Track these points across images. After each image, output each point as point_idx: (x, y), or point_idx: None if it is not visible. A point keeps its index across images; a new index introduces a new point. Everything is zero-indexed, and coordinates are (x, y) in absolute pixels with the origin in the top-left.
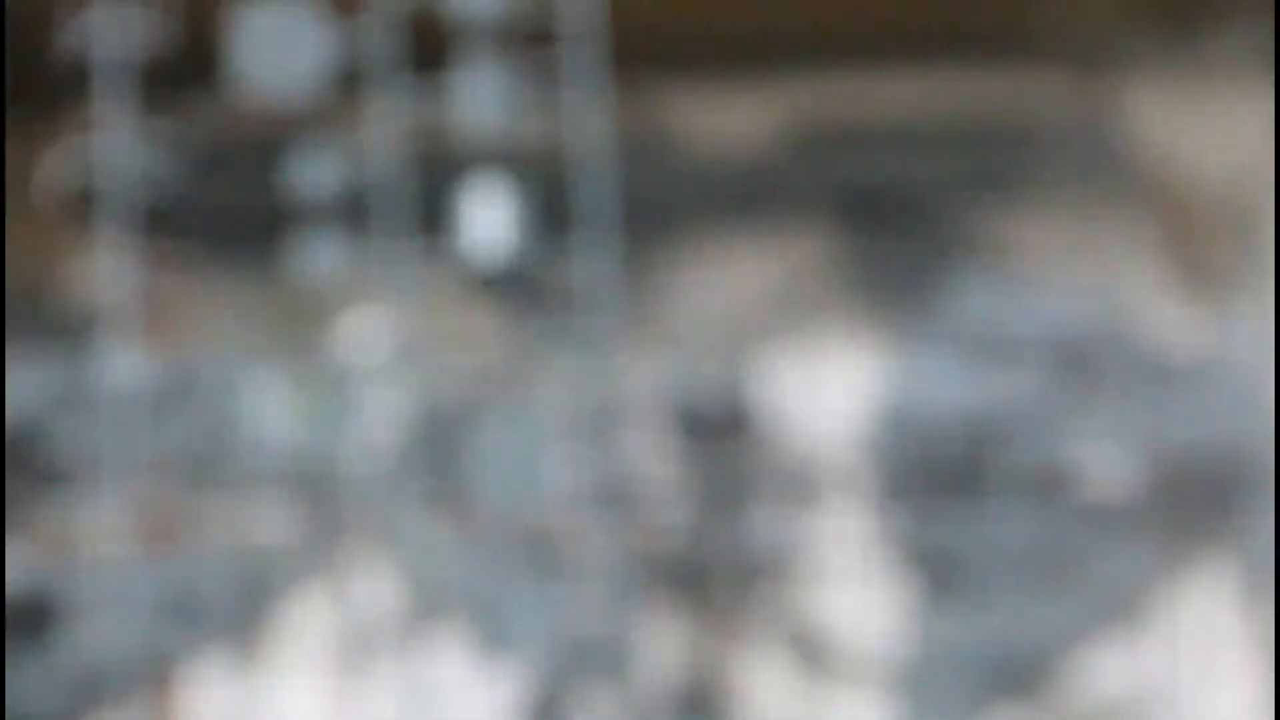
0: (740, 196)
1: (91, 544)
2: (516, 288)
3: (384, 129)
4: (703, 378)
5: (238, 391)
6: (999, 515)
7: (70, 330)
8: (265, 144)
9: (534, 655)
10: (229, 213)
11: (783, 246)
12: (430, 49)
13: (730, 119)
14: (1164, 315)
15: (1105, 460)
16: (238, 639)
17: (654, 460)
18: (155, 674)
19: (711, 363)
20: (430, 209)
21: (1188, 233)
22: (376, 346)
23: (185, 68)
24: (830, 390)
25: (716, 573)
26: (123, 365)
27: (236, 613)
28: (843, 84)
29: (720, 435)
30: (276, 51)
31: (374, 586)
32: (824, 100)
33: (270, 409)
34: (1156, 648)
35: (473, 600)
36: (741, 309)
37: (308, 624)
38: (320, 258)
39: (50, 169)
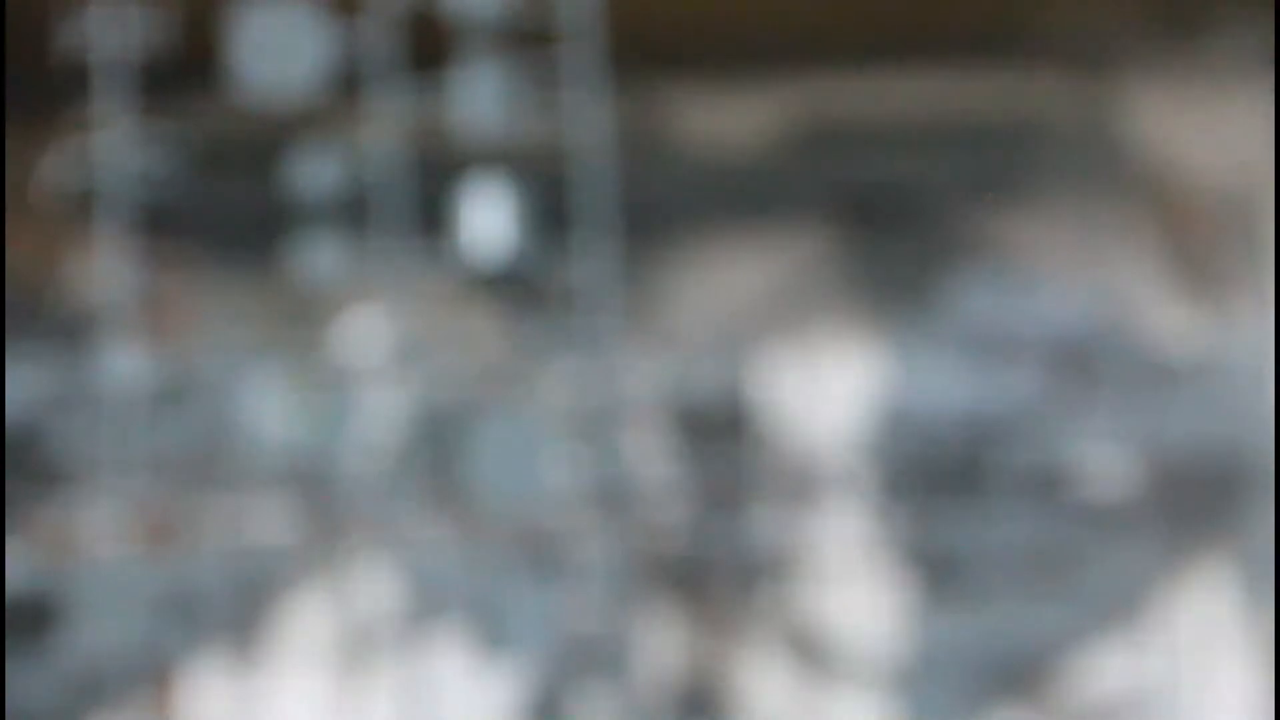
0: (740, 196)
1: (91, 544)
2: (516, 288)
3: (384, 129)
4: (703, 378)
5: (238, 391)
6: (999, 515)
7: (70, 330)
8: (265, 144)
9: (534, 655)
10: (229, 213)
11: (783, 246)
12: (430, 49)
13: (730, 119)
14: (1164, 315)
15: (1105, 460)
16: (237, 639)
17: (654, 460)
18: (155, 674)
19: (711, 363)
20: (430, 209)
21: (1188, 233)
22: (376, 346)
23: (185, 68)
24: (830, 390)
25: (716, 573)
26: (123, 365)
27: (236, 613)
28: (843, 84)
29: (720, 435)
30: (276, 51)
31: (374, 586)
32: (824, 100)
33: (270, 409)
34: (1156, 648)
35: (473, 600)
36: (741, 309)
37: (307, 623)
38: (320, 258)
39: (50, 169)
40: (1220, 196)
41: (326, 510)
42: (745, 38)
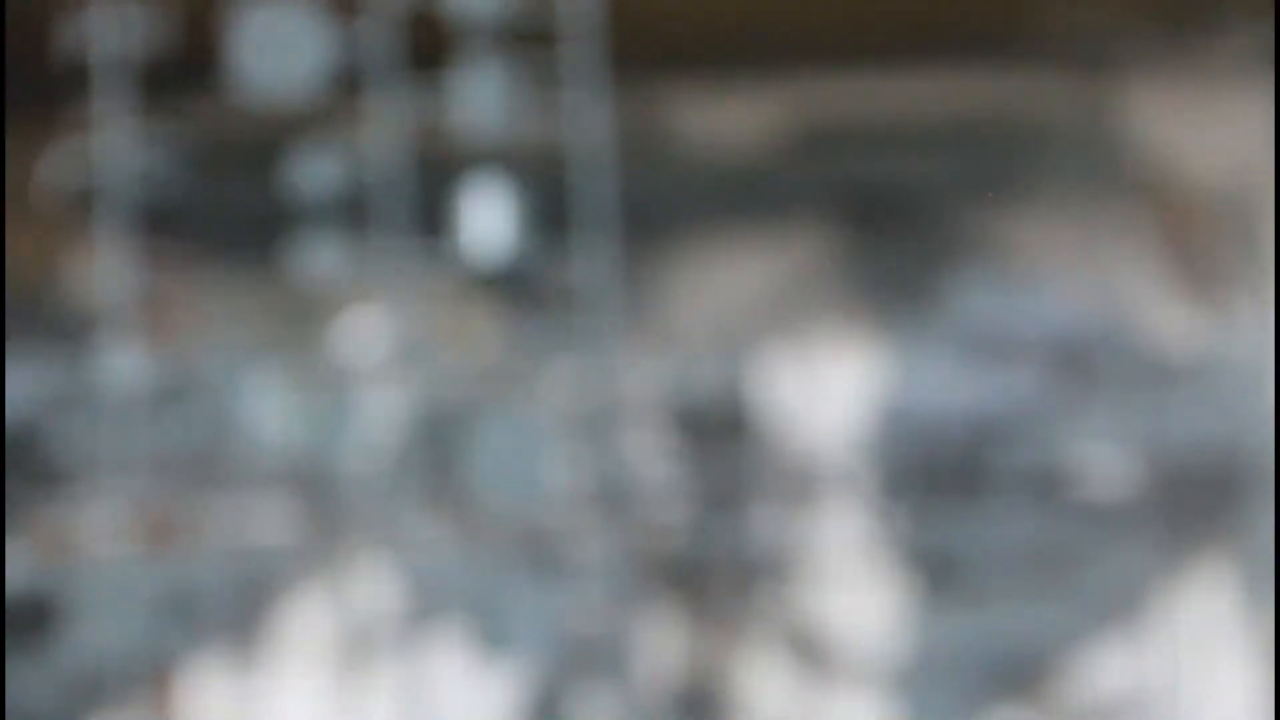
0: (740, 196)
1: (91, 544)
2: (516, 288)
3: (384, 129)
4: (702, 378)
5: (238, 391)
6: (999, 515)
7: (70, 330)
8: (265, 144)
9: (534, 655)
10: (229, 213)
11: (782, 246)
12: (430, 49)
13: (730, 119)
14: (1164, 315)
15: (1105, 460)
16: (237, 639)
17: (654, 460)
18: (155, 674)
19: (711, 363)
20: (430, 209)
21: (1188, 233)
22: (376, 346)
23: (185, 68)
24: (830, 390)
25: (716, 573)
26: (123, 365)
27: (236, 613)
28: (843, 84)
29: (720, 435)
30: (276, 51)
31: (374, 586)
32: (824, 100)
33: (270, 409)
34: (1156, 648)
35: (473, 600)
36: (741, 309)
37: (307, 623)
38: (320, 258)
39: (50, 169)
40: (1220, 196)
41: (326, 510)
42: (745, 38)
